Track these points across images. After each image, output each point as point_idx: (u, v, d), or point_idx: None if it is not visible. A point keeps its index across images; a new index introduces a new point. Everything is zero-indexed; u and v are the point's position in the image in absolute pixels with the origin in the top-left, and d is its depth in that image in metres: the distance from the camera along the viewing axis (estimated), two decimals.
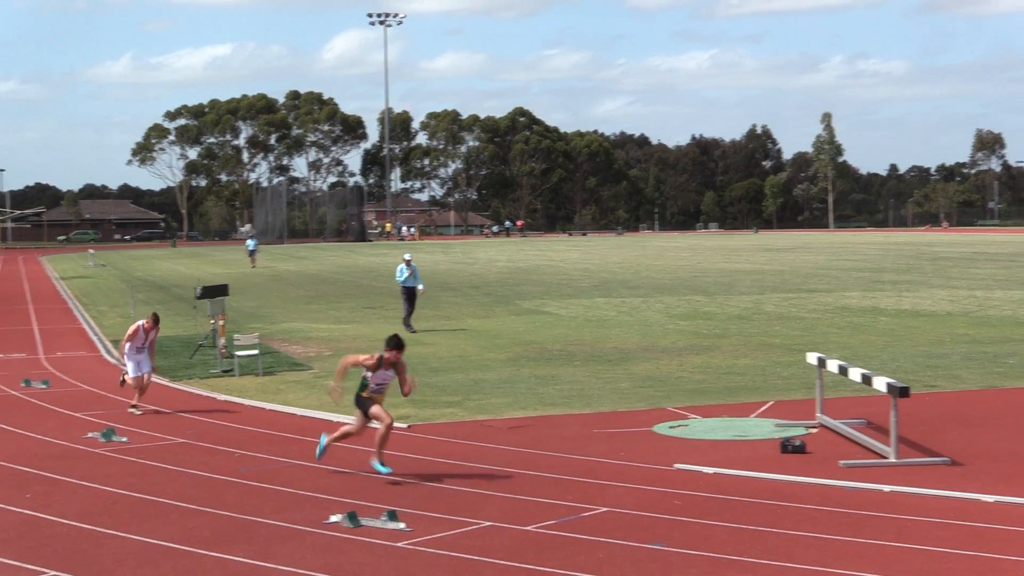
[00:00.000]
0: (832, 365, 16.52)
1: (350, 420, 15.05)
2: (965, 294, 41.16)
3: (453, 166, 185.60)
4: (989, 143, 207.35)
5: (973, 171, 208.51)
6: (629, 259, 74.40)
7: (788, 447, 15.21)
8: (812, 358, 17.49)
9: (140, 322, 20.06)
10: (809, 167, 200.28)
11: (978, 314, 33.85)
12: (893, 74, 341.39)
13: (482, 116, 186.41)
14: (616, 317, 34.40)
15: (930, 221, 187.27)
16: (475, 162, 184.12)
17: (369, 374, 14.39)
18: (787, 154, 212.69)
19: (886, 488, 13.09)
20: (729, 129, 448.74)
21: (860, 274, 54.80)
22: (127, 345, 19.83)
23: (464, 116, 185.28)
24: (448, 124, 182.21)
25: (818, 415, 16.97)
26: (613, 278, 54.07)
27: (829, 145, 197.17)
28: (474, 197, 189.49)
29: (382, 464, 14.29)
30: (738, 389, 20.51)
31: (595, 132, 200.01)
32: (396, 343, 14.45)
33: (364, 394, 14.50)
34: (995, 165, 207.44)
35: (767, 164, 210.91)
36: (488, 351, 26.60)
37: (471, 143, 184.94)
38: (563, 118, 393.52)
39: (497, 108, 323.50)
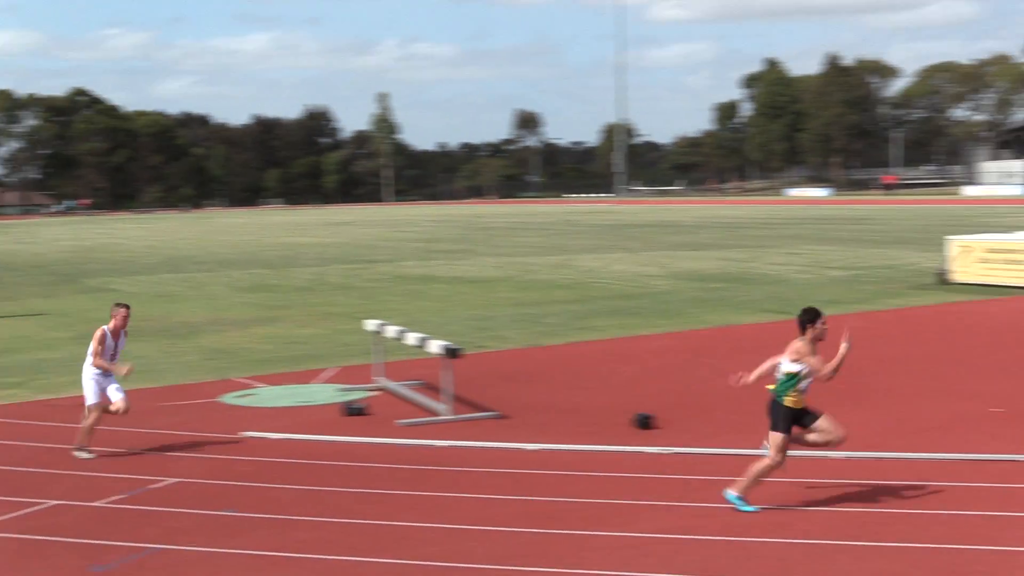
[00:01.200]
0: (391, 331, 16.79)
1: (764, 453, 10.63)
2: (510, 261, 42.89)
3: (12, 146, 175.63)
4: (528, 122, 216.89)
5: (515, 147, 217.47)
6: (195, 236, 72.87)
7: (350, 410, 15.35)
8: (371, 324, 17.72)
9: (105, 327, 13.71)
10: (367, 144, 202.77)
11: (521, 279, 35.35)
12: (443, 57, 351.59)
13: (42, 95, 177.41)
14: (183, 292, 33.62)
15: (478, 194, 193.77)
16: (35, 141, 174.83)
17: (802, 367, 10.32)
18: (346, 132, 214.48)
19: (441, 443, 13.46)
20: (290, 109, 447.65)
21: (416, 245, 56.03)
22: (96, 363, 13.45)
23: (21, 95, 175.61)
24: (4, 103, 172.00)
25: (379, 378, 17.22)
26: (179, 254, 52.82)
27: (385, 124, 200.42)
28: (37, 176, 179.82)
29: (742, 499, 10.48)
30: (303, 357, 20.51)
31: (158, 112, 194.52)
32: (816, 312, 10.54)
33: (790, 400, 10.41)
34: (534, 142, 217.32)
35: (327, 142, 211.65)
36: (53, 331, 25.34)
37: (31, 122, 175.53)
38: (126, 97, 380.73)
39: (58, 87, 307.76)
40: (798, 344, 10.36)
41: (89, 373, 13.52)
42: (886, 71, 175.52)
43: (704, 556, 9.24)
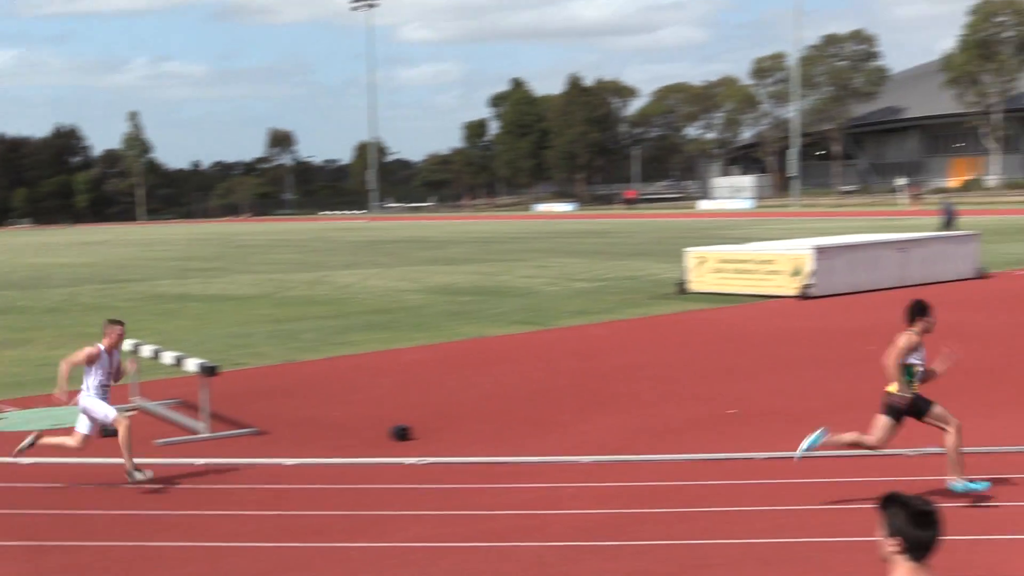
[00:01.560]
0: (146, 350, 16.32)
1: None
2: (266, 278, 42.29)
3: None
4: (281, 140, 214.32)
5: (269, 165, 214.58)
6: None
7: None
8: (127, 344, 17.15)
9: (100, 344, 12.54)
10: (119, 163, 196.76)
11: (278, 295, 34.90)
12: (195, 76, 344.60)
13: None
14: None
15: (232, 212, 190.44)
16: None
17: (918, 359, 10.28)
18: (98, 151, 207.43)
19: (200, 461, 13.16)
20: (37, 127, 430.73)
21: (171, 263, 54.65)
22: (90, 386, 12.56)
23: None
24: None
25: (135, 398, 16.71)
26: None
27: (137, 142, 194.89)
28: None
29: (969, 480, 10.29)
30: (55, 380, 19.67)
31: None
32: (926, 305, 10.43)
33: (916, 389, 10.30)
34: (287, 160, 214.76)
35: (77, 161, 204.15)
36: None
37: None
38: None
39: None
40: (913, 338, 10.26)
41: (94, 397, 12.51)
42: (624, 91, 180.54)
43: (463, 561, 9.31)
